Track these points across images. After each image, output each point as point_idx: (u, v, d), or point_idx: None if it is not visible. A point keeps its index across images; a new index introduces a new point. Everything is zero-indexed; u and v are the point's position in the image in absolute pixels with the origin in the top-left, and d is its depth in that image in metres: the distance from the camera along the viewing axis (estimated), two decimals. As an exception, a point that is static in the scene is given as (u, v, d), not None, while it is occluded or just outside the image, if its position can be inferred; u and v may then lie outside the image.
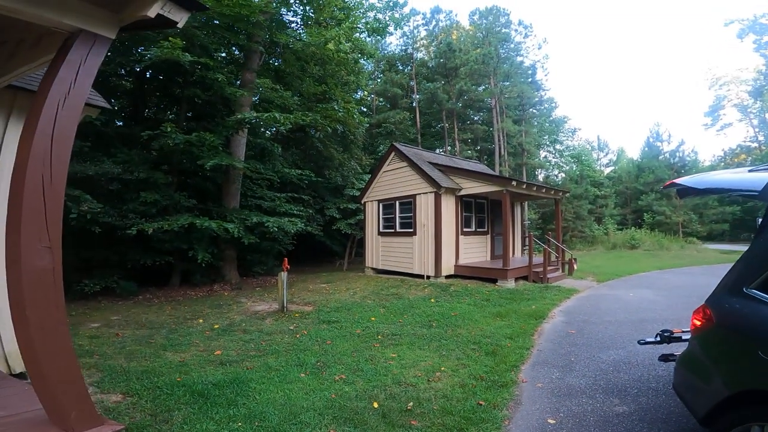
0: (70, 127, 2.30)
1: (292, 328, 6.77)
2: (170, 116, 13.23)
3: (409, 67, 31.82)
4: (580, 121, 73.83)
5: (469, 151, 31.12)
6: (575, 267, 12.93)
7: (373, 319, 7.33)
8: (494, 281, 10.65)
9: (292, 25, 14.53)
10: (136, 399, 3.85)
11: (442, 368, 4.79)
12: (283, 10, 13.65)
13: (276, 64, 15.34)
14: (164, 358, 5.23)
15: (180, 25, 2.47)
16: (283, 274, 8.25)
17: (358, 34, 15.27)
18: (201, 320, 7.53)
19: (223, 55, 13.56)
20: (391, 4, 17.23)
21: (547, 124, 37.86)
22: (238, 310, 8.42)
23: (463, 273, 11.53)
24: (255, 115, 11.51)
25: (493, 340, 5.85)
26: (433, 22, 35.15)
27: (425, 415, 3.61)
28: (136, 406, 3.70)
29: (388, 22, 16.37)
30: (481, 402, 3.86)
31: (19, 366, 3.71)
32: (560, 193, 13.49)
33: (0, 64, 3.10)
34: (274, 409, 3.62)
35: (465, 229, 12.34)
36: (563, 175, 37.50)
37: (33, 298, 2.15)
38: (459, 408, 3.73)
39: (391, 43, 33.74)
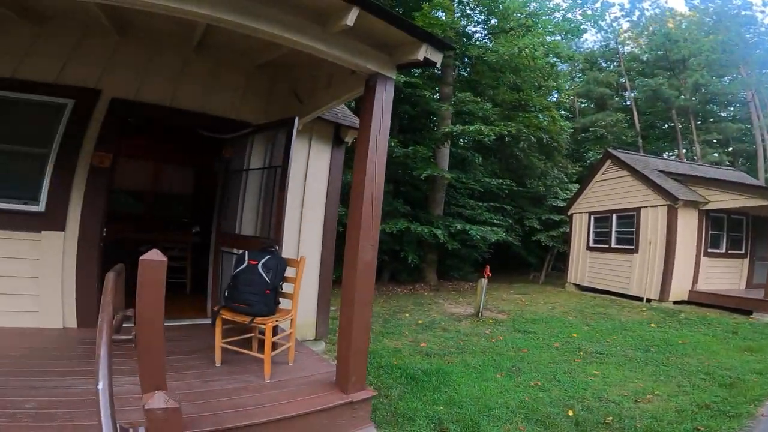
0: (383, 153, 2.93)
1: (487, 332, 6.95)
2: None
3: (615, 63, 27.79)
4: None
5: (716, 154, 24.90)
6: None
7: (574, 335, 6.87)
8: (748, 313, 8.41)
9: (476, 34, 14.75)
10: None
11: (656, 392, 4.29)
12: (463, 22, 14.00)
13: (466, 75, 15.77)
14: (383, 343, 6.04)
15: (438, 64, 3.01)
16: (483, 281, 8.42)
17: (550, 37, 14.47)
18: (407, 315, 8.32)
19: (416, 71, 14.77)
20: (578, 0, 15.63)
21: None
22: (437, 310, 8.97)
23: (701, 300, 9.49)
24: (461, 127, 12.21)
25: (733, 373, 4.83)
26: (636, 12, 29.87)
27: (625, 431, 3.39)
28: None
29: (580, 21, 14.90)
30: (699, 428, 3.40)
31: (300, 336, 4.66)
32: None
33: (305, 100, 4.35)
34: (470, 401, 3.91)
35: (710, 250, 10.16)
36: None
37: (361, 282, 2.79)
38: (669, 430, 3.36)
39: (586, 39, 30.12)
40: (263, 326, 3.05)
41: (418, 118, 14.76)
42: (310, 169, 4.95)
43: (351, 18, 2.45)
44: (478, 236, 12.33)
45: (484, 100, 13.90)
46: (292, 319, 3.38)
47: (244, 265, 3.15)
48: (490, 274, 8.75)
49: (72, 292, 3.72)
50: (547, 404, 3.91)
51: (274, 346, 3.17)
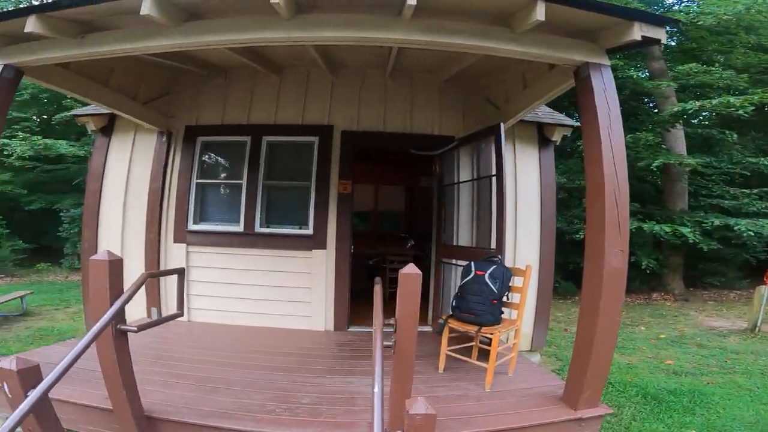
0: (620, 146, 2.67)
1: (772, 351, 5.61)
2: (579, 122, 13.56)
3: None
4: None
5: None
6: None
7: None
8: None
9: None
10: (590, 391, 4.33)
11: None
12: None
13: (674, 45, 13.13)
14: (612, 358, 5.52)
15: (663, 41, 2.65)
16: (764, 288, 6.87)
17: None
18: (643, 327, 7.44)
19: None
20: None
21: None
22: (687, 323, 7.79)
23: None
24: (698, 103, 9.94)
25: None
26: None
27: None
28: (589, 397, 4.17)
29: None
30: None
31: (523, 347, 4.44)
32: None
33: (502, 106, 4.36)
34: (741, 426, 3.36)
35: None
36: None
37: (608, 291, 2.57)
38: None
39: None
40: (487, 336, 3.10)
41: (626, 102, 12.69)
42: (519, 174, 4.86)
43: (540, 12, 2.34)
44: (750, 232, 9.52)
45: (719, 68, 11.08)
46: (516, 330, 3.35)
47: (471, 276, 3.29)
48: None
49: (331, 301, 4.64)
50: None
51: (497, 356, 3.17)
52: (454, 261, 4.50)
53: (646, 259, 10.35)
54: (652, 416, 3.59)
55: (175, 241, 4.69)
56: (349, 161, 4.71)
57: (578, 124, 5.70)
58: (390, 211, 9.07)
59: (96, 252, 4.80)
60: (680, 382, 4.49)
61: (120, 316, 2.12)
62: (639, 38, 2.51)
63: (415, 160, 7.96)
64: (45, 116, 12.59)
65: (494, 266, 3.24)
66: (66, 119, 10.85)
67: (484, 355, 3.34)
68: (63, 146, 10.61)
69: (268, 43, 2.96)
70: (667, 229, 9.69)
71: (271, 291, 4.61)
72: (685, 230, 9.60)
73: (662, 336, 6.70)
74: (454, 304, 3.37)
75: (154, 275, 2.38)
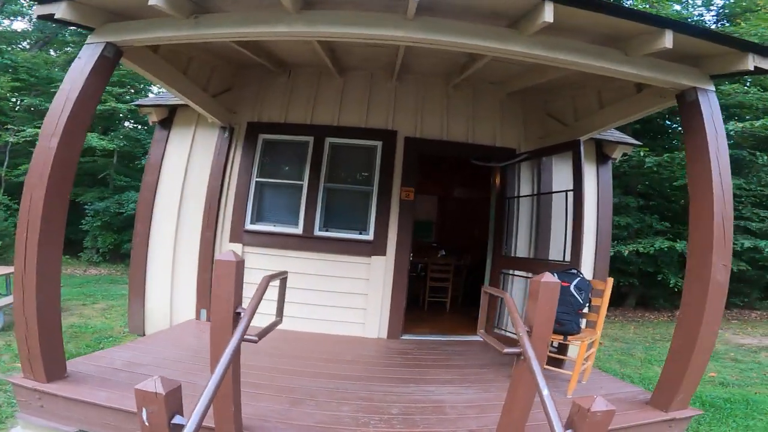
0: (727, 169, 2.78)
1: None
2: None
3: None
4: None
5: None
6: None
7: None
8: None
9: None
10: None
11: None
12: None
13: None
14: (653, 369, 5.54)
15: None
16: None
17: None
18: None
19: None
20: None
21: None
22: (716, 340, 7.71)
23: None
24: (739, 125, 9.88)
25: None
26: None
27: None
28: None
29: None
30: None
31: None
32: None
33: (570, 123, 4.38)
34: None
35: None
36: None
37: (710, 304, 2.72)
38: None
39: None
40: (572, 343, 3.23)
41: (652, 121, 12.63)
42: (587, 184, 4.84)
43: (668, 39, 2.43)
44: (777, 254, 9.52)
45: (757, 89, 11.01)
46: (595, 339, 3.43)
47: (555, 287, 3.34)
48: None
49: (387, 308, 4.56)
50: None
51: (563, 363, 3.41)
52: (511, 272, 4.48)
53: (674, 277, 10.33)
54: (715, 420, 3.83)
55: (230, 241, 4.63)
56: (412, 168, 4.67)
57: (641, 143, 5.71)
58: (425, 221, 9.00)
59: (147, 246, 4.77)
60: (730, 392, 4.70)
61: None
62: (752, 68, 2.60)
63: (450, 171, 7.93)
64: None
65: (578, 278, 3.36)
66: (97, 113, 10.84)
67: (552, 362, 3.42)
68: (94, 139, 10.59)
69: (395, 41, 2.94)
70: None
71: (327, 296, 4.54)
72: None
73: (695, 351, 6.81)
74: (533, 314, 3.39)
75: (272, 278, 2.29)
